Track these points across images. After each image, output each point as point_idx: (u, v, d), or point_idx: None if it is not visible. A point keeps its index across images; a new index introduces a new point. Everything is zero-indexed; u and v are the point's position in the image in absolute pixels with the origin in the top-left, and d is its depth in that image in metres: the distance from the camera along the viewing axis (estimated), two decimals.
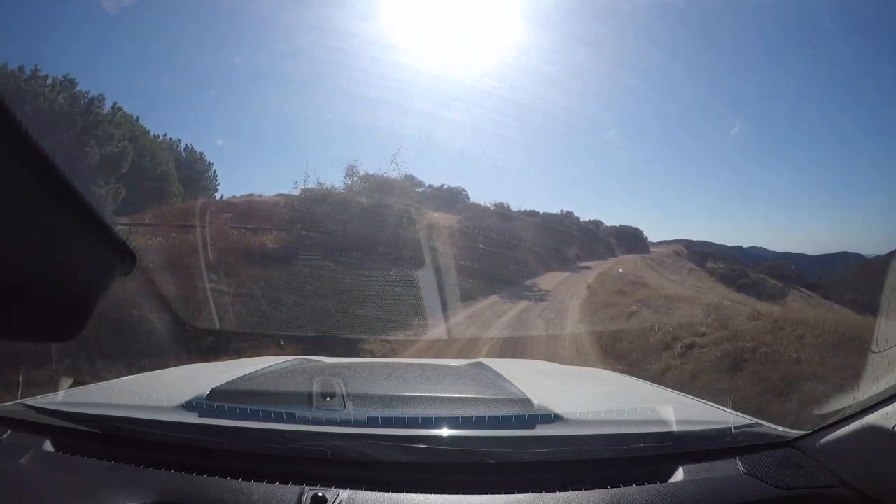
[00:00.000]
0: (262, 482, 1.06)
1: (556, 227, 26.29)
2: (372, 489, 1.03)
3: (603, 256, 32.57)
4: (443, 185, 27.14)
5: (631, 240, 42.22)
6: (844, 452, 1.04)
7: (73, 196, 0.58)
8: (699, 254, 39.56)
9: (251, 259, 10.45)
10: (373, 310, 8.68)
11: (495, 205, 22.26)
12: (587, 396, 1.73)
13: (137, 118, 20.93)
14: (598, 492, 1.03)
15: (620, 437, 1.18)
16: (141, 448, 1.18)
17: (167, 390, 1.51)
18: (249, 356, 3.84)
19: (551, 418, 1.23)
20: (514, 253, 17.71)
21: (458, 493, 1.02)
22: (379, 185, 14.49)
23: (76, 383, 1.53)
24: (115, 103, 19.34)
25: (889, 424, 0.94)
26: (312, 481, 1.04)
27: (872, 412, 0.99)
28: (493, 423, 1.23)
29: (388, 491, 1.03)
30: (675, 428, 1.20)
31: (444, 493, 1.03)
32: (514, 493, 1.02)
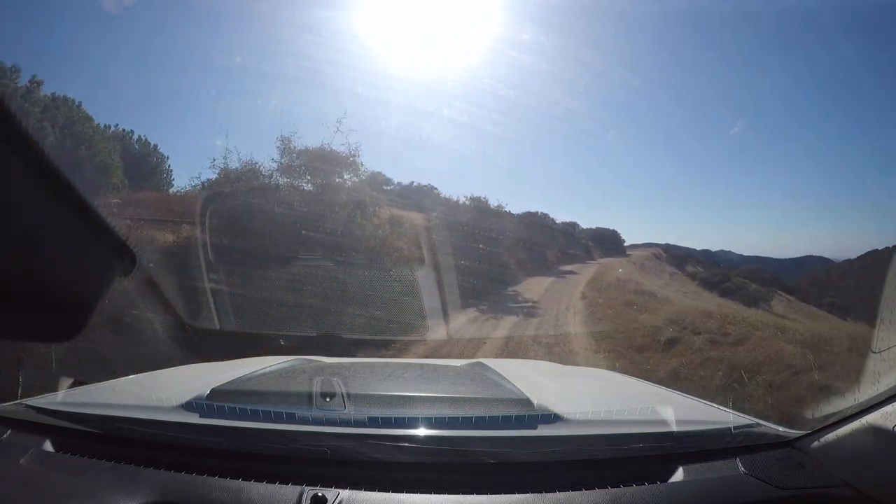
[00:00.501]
0: (262, 482, 1.06)
1: (533, 228, 24.40)
2: (372, 489, 1.03)
3: (582, 259, 31.25)
4: (412, 182, 24.70)
5: (608, 242, 41.29)
6: (844, 452, 1.04)
7: (73, 196, 0.58)
8: (678, 257, 39.14)
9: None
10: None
11: (471, 199, 19.90)
12: (587, 396, 1.73)
13: (79, 103, 18.90)
14: (598, 492, 1.03)
15: (620, 437, 1.18)
16: (141, 448, 1.18)
17: (167, 390, 1.51)
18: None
19: (551, 418, 1.23)
20: (492, 256, 15.86)
21: (457, 493, 1.02)
22: (320, 160, 11.12)
23: (76, 383, 1.52)
24: (56, 94, 18.07)
25: (889, 424, 0.94)
26: (312, 481, 1.04)
27: (872, 412, 0.99)
28: (493, 423, 1.23)
29: (388, 491, 1.03)
30: (675, 428, 1.20)
31: (443, 493, 1.03)
32: (513, 493, 1.02)
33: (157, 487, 1.06)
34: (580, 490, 1.03)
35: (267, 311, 6.68)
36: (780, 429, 1.23)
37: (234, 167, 10.63)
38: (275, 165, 10.94)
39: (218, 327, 5.59)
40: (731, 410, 1.35)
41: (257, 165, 10.78)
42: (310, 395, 1.28)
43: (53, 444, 1.24)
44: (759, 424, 1.26)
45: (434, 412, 1.27)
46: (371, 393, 1.48)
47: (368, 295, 7.93)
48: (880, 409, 0.98)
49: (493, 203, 20.40)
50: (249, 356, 2.52)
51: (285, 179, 10.86)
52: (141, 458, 1.14)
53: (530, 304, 12.66)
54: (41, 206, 0.56)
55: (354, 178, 11.89)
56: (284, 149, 11.10)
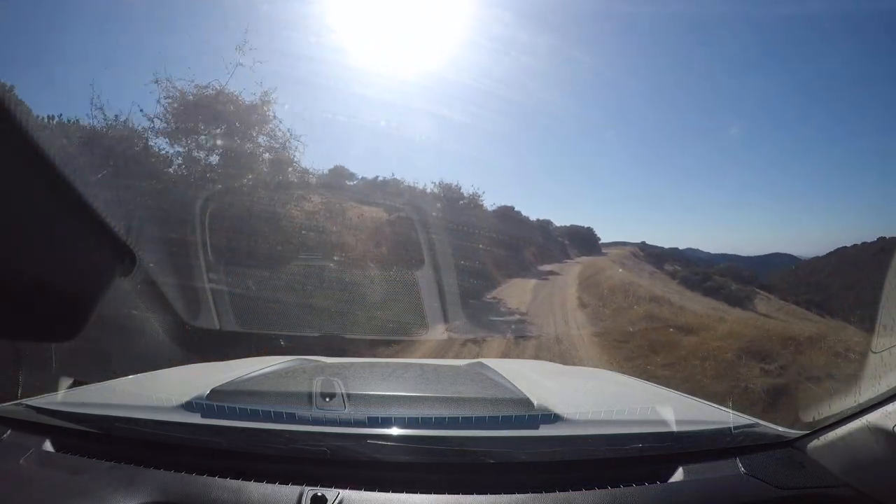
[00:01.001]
0: (262, 482, 1.06)
1: (508, 223, 22.14)
2: (372, 489, 1.03)
3: (559, 259, 30.07)
4: (377, 176, 23.09)
5: (583, 241, 40.15)
6: (844, 452, 1.04)
7: (73, 196, 0.58)
8: (655, 255, 38.35)
9: None
10: None
11: (441, 186, 17.89)
12: (587, 396, 1.73)
13: None
14: (598, 492, 1.03)
15: (620, 437, 1.18)
16: (141, 448, 1.18)
17: (167, 390, 1.51)
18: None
19: (551, 418, 1.23)
20: (467, 253, 13.76)
21: (457, 493, 1.02)
22: (213, 111, 7.60)
23: (76, 383, 1.52)
24: None
25: (889, 424, 0.94)
26: (312, 481, 1.04)
27: (872, 412, 0.99)
28: (493, 423, 1.23)
29: (388, 491, 1.03)
30: (674, 428, 1.20)
31: (443, 493, 1.03)
32: (514, 493, 1.02)
33: (157, 487, 1.06)
34: (580, 490, 1.03)
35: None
36: (780, 429, 1.23)
37: (97, 124, 7.08)
38: (153, 124, 7.36)
39: (218, 327, 5.59)
40: (730, 410, 1.35)
41: (128, 121, 7.22)
42: (310, 395, 1.28)
43: (53, 444, 1.24)
44: (758, 424, 1.26)
45: (434, 412, 1.27)
46: (371, 393, 1.48)
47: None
48: (880, 409, 0.98)
49: (466, 192, 18.47)
50: (250, 356, 2.52)
51: (169, 144, 7.52)
52: (141, 458, 1.14)
53: (517, 316, 10.22)
54: (41, 207, 0.56)
55: (272, 143, 8.34)
56: (167, 98, 7.50)
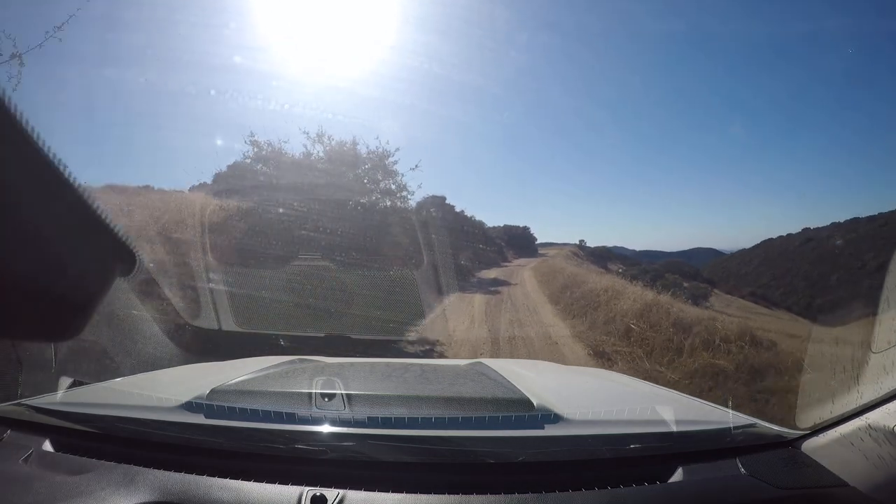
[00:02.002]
0: (262, 482, 1.06)
1: (434, 220, 16.93)
2: (372, 489, 1.03)
3: (497, 262, 26.41)
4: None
5: (520, 241, 37.10)
6: (844, 452, 1.04)
7: (73, 195, 0.58)
8: (596, 255, 36.86)
9: None
10: None
11: (333, 143, 12.75)
12: (587, 396, 1.74)
13: None
14: (598, 492, 1.03)
15: (620, 437, 1.18)
16: (141, 448, 1.18)
17: (167, 390, 1.51)
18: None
19: (551, 418, 1.23)
20: (370, 263, 10.11)
21: (458, 494, 1.02)
22: None
23: (76, 383, 1.52)
24: None
25: (889, 424, 0.94)
26: (312, 481, 1.04)
27: (872, 412, 0.99)
28: (493, 423, 1.23)
29: (388, 491, 1.03)
30: (674, 428, 1.20)
31: (443, 493, 1.03)
32: (514, 493, 1.02)
33: (157, 487, 1.06)
34: (580, 490, 1.03)
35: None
36: (780, 428, 1.23)
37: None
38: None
39: (218, 327, 5.59)
40: (730, 410, 1.35)
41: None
42: (310, 395, 1.28)
43: (53, 444, 1.24)
44: (758, 424, 1.26)
45: (434, 412, 1.27)
46: (371, 393, 1.48)
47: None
48: (881, 409, 0.98)
49: (365, 161, 12.98)
50: (250, 356, 2.52)
51: None
52: (141, 458, 1.14)
53: None
54: (41, 206, 0.56)
55: None
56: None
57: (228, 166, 13.92)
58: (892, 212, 41.42)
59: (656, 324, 7.29)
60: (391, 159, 13.84)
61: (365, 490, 1.03)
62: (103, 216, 0.63)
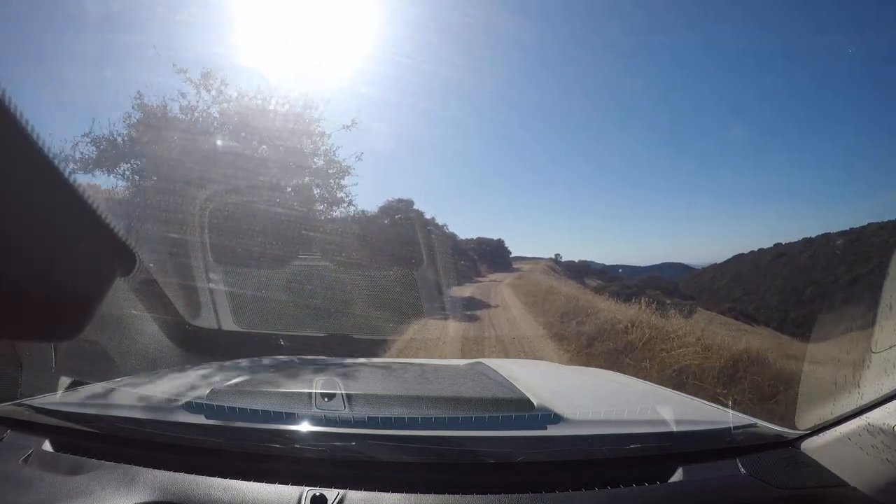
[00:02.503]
0: (262, 482, 1.06)
1: (400, 229, 14.83)
2: (372, 489, 1.03)
3: (469, 277, 24.45)
4: None
5: (494, 255, 34.12)
6: (844, 452, 1.04)
7: (72, 195, 0.58)
8: (572, 269, 34.88)
9: None
10: None
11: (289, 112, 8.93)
12: (587, 396, 1.73)
13: None
14: (598, 492, 1.03)
15: (620, 437, 1.18)
16: (141, 448, 1.18)
17: (167, 390, 1.51)
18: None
19: (552, 418, 1.23)
20: (317, 280, 8.39)
21: (458, 493, 1.02)
22: None
23: (76, 383, 1.52)
24: None
25: (889, 424, 0.94)
26: (312, 481, 1.04)
27: (872, 412, 0.99)
28: (494, 423, 1.23)
29: (388, 491, 1.03)
30: (674, 428, 1.20)
31: (444, 493, 1.03)
32: (513, 493, 1.02)
33: (157, 487, 1.06)
34: (580, 490, 1.03)
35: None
36: (780, 428, 1.23)
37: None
38: None
39: (217, 327, 5.59)
40: (730, 410, 1.35)
41: None
42: (310, 395, 1.28)
43: (53, 444, 1.24)
44: (758, 424, 1.26)
45: (434, 412, 1.27)
46: (371, 393, 1.48)
47: None
48: (881, 409, 0.98)
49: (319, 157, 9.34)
50: (250, 356, 2.52)
51: None
52: (141, 458, 1.14)
53: None
54: (40, 206, 0.56)
55: None
56: None
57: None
58: (863, 227, 42.16)
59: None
60: (315, 114, 9.01)
61: (365, 490, 1.03)
62: (102, 216, 0.63)
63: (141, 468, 1.12)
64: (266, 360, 2.24)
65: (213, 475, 1.08)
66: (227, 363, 2.23)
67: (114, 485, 1.08)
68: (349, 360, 2.56)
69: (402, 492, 1.03)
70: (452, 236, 27.58)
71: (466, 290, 17.29)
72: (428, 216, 21.40)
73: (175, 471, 1.10)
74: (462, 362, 2.27)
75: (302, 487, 1.02)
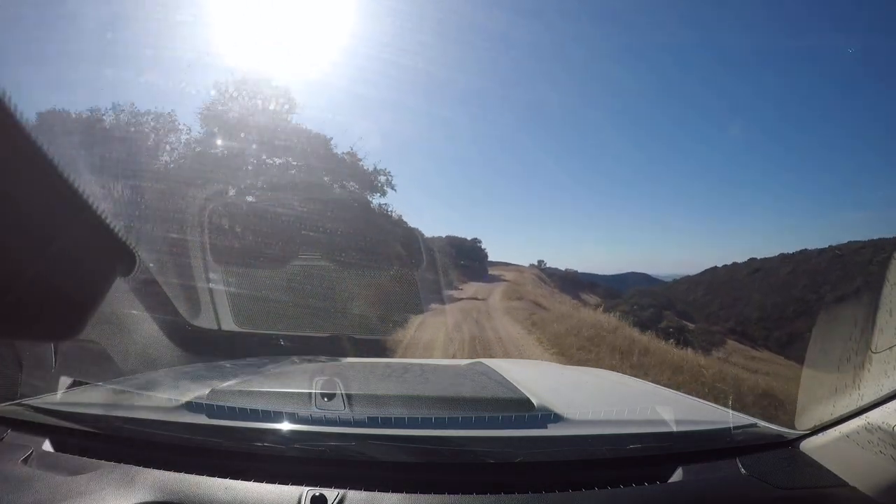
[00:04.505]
0: (262, 482, 1.06)
1: (351, 223, 10.59)
2: (372, 489, 1.03)
3: (436, 291, 14.22)
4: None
5: (467, 258, 25.78)
6: (844, 452, 1.04)
7: (73, 195, 0.58)
8: (563, 280, 29.50)
9: None
10: None
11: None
12: (587, 396, 1.74)
13: None
14: (598, 492, 1.03)
15: (620, 437, 1.18)
16: (141, 448, 1.18)
17: (167, 390, 1.51)
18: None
19: (552, 418, 1.23)
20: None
21: (458, 494, 1.02)
22: None
23: (76, 383, 1.52)
24: None
25: (889, 423, 0.94)
26: (312, 481, 1.04)
27: (872, 411, 0.99)
28: (494, 423, 1.23)
29: (388, 491, 1.03)
30: (674, 428, 1.20)
31: (443, 493, 1.03)
32: (514, 493, 1.02)
33: (157, 487, 1.06)
34: (580, 490, 1.03)
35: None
36: (780, 428, 1.23)
37: None
38: None
39: (218, 327, 5.59)
40: (730, 410, 1.35)
41: None
42: (310, 395, 1.28)
43: (53, 444, 1.24)
44: (759, 424, 1.26)
45: (434, 412, 1.27)
46: (371, 393, 1.48)
47: None
48: (880, 409, 0.98)
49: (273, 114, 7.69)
50: (249, 356, 2.52)
51: None
52: (141, 458, 1.14)
53: None
54: (41, 206, 0.56)
55: None
56: None
57: None
58: (846, 244, 41.14)
59: None
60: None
61: (365, 490, 1.03)
62: (103, 216, 0.63)
63: (141, 468, 1.12)
64: (266, 361, 2.24)
65: (214, 475, 1.08)
66: (227, 363, 2.23)
67: (114, 485, 1.08)
68: (349, 360, 2.56)
69: (402, 492, 1.03)
70: (417, 233, 19.30)
71: (434, 324, 9.76)
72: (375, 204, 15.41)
73: (175, 471, 1.10)
74: (462, 362, 2.27)
75: (302, 487, 1.02)
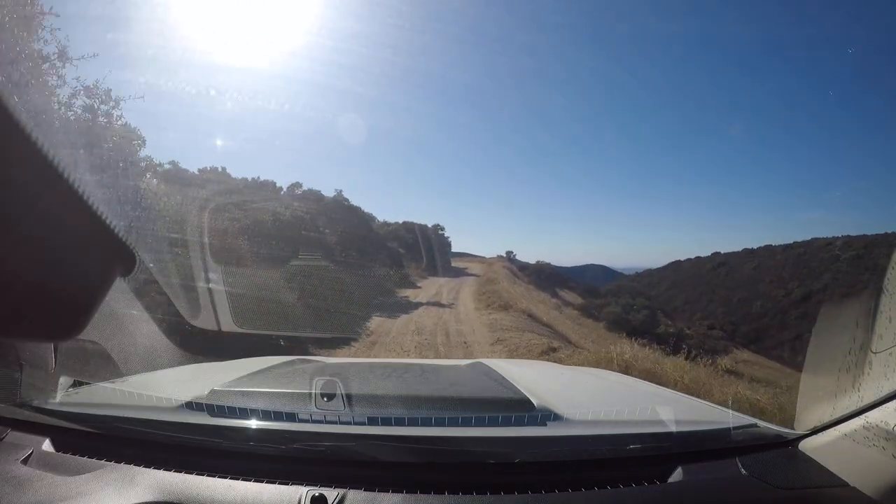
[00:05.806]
0: (262, 482, 1.06)
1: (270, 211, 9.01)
2: (372, 489, 1.03)
3: (389, 290, 15.13)
4: None
5: (428, 247, 22.58)
6: (844, 452, 1.04)
7: (73, 196, 0.58)
8: (534, 273, 26.27)
9: None
10: None
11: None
12: (587, 396, 1.74)
13: None
14: (598, 492, 1.03)
15: (620, 437, 1.18)
16: (141, 448, 1.18)
17: (167, 390, 1.51)
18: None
19: (551, 418, 1.23)
20: None
21: (458, 493, 1.02)
22: None
23: (76, 383, 1.52)
24: None
25: (889, 423, 0.94)
26: (312, 481, 1.04)
27: (872, 411, 0.99)
28: (494, 423, 1.23)
29: (388, 491, 1.03)
30: (674, 428, 1.20)
31: (443, 493, 1.03)
32: (513, 493, 1.02)
33: (157, 487, 1.06)
34: (580, 490, 1.03)
35: None
36: (780, 428, 1.23)
37: None
38: None
39: (217, 328, 5.59)
40: (730, 410, 1.35)
41: None
42: (310, 395, 1.28)
43: (53, 444, 1.24)
44: (759, 424, 1.26)
45: (434, 412, 1.27)
46: (371, 393, 1.48)
47: None
48: (880, 409, 0.98)
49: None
50: (250, 356, 2.52)
51: None
52: (141, 458, 1.14)
53: None
54: (41, 207, 0.56)
55: None
56: None
57: None
58: (810, 240, 41.46)
59: None
60: None
61: (365, 490, 1.03)
62: (103, 216, 0.63)
63: (141, 468, 1.12)
64: (266, 360, 2.24)
65: (214, 475, 1.08)
66: (227, 363, 2.23)
67: (114, 485, 1.08)
68: (349, 361, 2.56)
69: (403, 492, 1.03)
70: (370, 218, 18.27)
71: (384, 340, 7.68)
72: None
73: (175, 471, 1.10)
74: (462, 362, 2.28)
75: (302, 487, 1.02)
